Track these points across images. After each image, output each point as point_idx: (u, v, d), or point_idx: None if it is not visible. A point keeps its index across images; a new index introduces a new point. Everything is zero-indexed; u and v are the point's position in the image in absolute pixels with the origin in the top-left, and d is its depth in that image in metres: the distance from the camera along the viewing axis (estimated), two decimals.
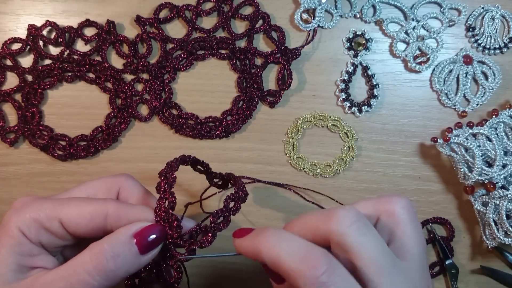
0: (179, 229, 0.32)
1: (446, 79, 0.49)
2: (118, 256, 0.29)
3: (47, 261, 0.31)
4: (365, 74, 0.49)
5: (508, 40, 0.49)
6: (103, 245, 0.30)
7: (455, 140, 0.45)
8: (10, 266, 0.29)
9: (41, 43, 0.48)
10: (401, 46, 0.49)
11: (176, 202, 0.32)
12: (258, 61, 0.49)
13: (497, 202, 0.45)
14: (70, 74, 0.49)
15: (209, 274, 0.49)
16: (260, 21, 0.49)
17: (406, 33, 0.49)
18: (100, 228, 0.32)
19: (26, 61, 0.49)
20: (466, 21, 0.49)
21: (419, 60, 0.49)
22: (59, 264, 0.31)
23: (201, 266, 0.49)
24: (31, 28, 0.48)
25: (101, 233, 0.32)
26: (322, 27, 0.49)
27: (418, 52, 0.49)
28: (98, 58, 0.49)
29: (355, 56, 0.49)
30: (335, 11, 0.49)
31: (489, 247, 0.46)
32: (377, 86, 0.49)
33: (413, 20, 0.49)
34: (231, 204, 0.34)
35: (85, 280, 0.29)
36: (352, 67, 0.49)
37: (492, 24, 0.49)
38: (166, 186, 0.33)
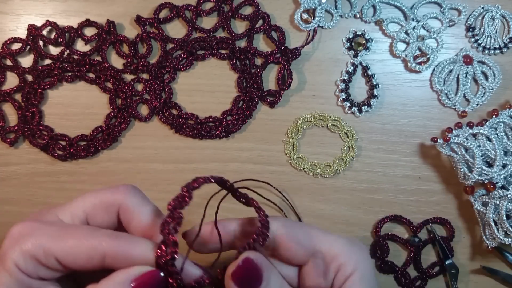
0: (180, 281, 0.29)
1: (446, 79, 0.49)
2: None
3: None
4: (365, 74, 0.49)
5: (508, 40, 0.49)
6: None
7: (455, 140, 0.45)
8: None
9: (41, 43, 0.48)
10: (401, 46, 0.50)
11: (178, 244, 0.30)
12: (258, 61, 0.49)
13: (497, 202, 0.45)
14: (70, 74, 0.49)
15: None
16: (260, 21, 0.49)
17: (406, 33, 0.49)
18: (99, 266, 0.30)
19: (26, 61, 0.49)
20: (466, 21, 0.49)
21: (419, 60, 0.49)
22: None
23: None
24: (31, 28, 0.48)
25: (100, 268, 0.30)
26: (322, 27, 0.49)
27: (418, 52, 0.49)
28: (98, 58, 0.49)
29: (355, 56, 0.49)
30: (335, 11, 0.49)
31: (489, 247, 0.46)
32: (377, 86, 0.49)
33: (413, 20, 0.49)
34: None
35: None
36: (352, 67, 0.49)
37: (492, 24, 0.49)
38: (170, 228, 0.30)
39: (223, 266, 0.30)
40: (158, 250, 0.29)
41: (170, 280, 0.29)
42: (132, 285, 0.28)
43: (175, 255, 0.29)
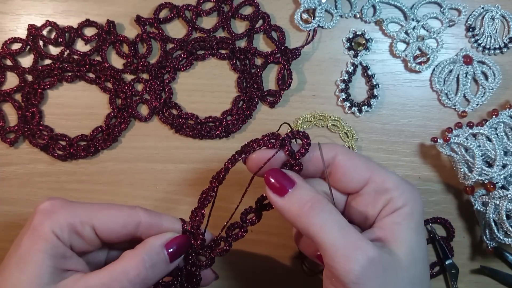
0: (204, 241, 0.36)
1: (446, 79, 0.49)
2: (155, 265, 0.32)
3: (79, 264, 0.32)
4: (365, 74, 0.49)
5: (508, 40, 0.49)
6: (143, 256, 0.32)
7: (455, 140, 0.45)
8: (47, 269, 0.30)
9: (41, 43, 0.48)
10: (401, 46, 0.49)
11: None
12: (258, 61, 0.49)
13: (497, 202, 0.45)
14: (70, 74, 0.49)
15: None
16: (260, 21, 0.49)
17: (406, 33, 0.49)
18: (131, 235, 0.33)
19: (26, 61, 0.49)
20: (466, 21, 0.49)
21: (419, 60, 0.49)
22: (90, 268, 0.33)
23: None
24: (31, 28, 0.48)
25: (129, 240, 0.34)
26: (322, 27, 0.49)
27: (418, 52, 0.49)
28: (98, 58, 0.49)
29: (355, 56, 0.49)
30: (335, 11, 0.49)
31: (489, 247, 0.46)
32: (377, 86, 0.49)
33: (413, 20, 0.49)
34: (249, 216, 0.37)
35: (125, 287, 0.31)
36: (352, 67, 0.49)
37: (492, 24, 0.49)
38: (200, 203, 0.37)
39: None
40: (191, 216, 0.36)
41: (195, 243, 0.35)
42: (166, 249, 0.33)
43: (201, 221, 0.36)
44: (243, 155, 0.35)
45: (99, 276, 0.31)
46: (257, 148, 0.34)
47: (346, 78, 0.49)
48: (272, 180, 0.32)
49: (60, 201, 0.33)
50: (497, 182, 0.45)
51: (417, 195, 0.34)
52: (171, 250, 0.33)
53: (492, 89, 0.49)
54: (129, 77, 0.49)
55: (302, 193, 0.32)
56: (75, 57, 0.49)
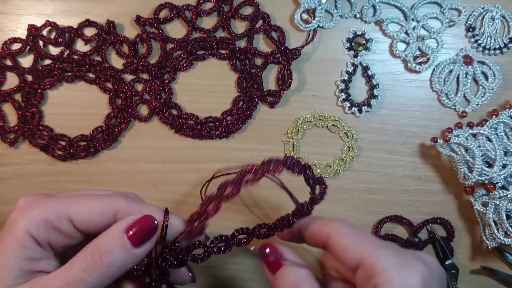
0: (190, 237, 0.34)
1: (446, 79, 0.49)
2: (111, 251, 0.30)
3: (49, 264, 0.31)
4: (365, 74, 0.49)
5: (508, 40, 0.49)
6: (98, 242, 0.30)
7: (455, 140, 0.45)
8: (12, 271, 0.29)
9: (41, 43, 0.48)
10: (401, 46, 0.49)
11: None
12: (258, 61, 0.49)
13: (497, 203, 0.45)
14: (70, 74, 0.49)
15: (210, 274, 0.49)
16: (260, 21, 0.49)
17: (406, 33, 0.49)
18: (110, 223, 0.31)
19: (26, 61, 0.49)
20: (466, 21, 0.49)
21: (419, 60, 0.49)
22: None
23: (201, 265, 0.49)
24: (31, 28, 0.48)
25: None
26: (322, 27, 0.49)
27: (418, 52, 0.49)
28: (98, 58, 0.49)
29: (355, 56, 0.49)
30: (335, 11, 0.49)
31: (489, 247, 0.46)
32: (377, 86, 0.49)
33: (413, 20, 0.49)
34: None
35: (82, 278, 0.29)
36: (352, 67, 0.49)
37: (492, 24, 0.49)
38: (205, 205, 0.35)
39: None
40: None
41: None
42: (126, 232, 0.30)
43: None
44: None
45: (58, 270, 0.30)
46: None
47: (346, 78, 0.49)
48: (266, 254, 0.33)
49: (35, 197, 0.32)
50: (497, 182, 0.45)
51: (415, 280, 0.28)
52: (132, 232, 0.30)
53: (492, 89, 0.49)
54: (129, 77, 0.49)
55: (291, 274, 0.32)
56: (75, 57, 0.49)
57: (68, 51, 0.49)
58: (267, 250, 0.33)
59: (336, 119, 0.49)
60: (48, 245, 0.31)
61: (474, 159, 0.45)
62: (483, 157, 0.45)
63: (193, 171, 0.49)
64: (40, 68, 0.48)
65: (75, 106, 0.49)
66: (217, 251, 0.34)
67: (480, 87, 0.49)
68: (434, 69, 0.49)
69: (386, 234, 0.49)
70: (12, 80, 0.49)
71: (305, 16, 0.49)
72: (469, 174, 0.45)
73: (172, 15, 0.49)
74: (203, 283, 0.49)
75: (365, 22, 0.50)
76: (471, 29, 0.49)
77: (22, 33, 0.48)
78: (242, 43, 0.49)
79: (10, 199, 0.49)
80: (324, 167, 0.49)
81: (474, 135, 0.46)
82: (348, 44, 0.49)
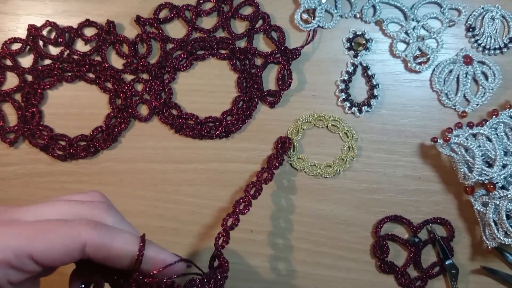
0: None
1: (446, 79, 0.49)
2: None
3: None
4: (365, 74, 0.49)
5: (508, 40, 0.49)
6: None
7: (455, 140, 0.45)
8: None
9: (41, 43, 0.48)
10: (401, 46, 0.49)
11: None
12: (258, 61, 0.49)
13: (497, 202, 0.45)
14: (70, 74, 0.49)
15: None
16: (260, 21, 0.49)
17: (406, 33, 0.49)
18: (78, 258, 0.29)
19: (26, 61, 0.49)
20: (466, 21, 0.49)
21: (419, 60, 0.49)
22: None
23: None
24: (31, 28, 0.48)
25: (79, 259, 0.29)
26: (322, 27, 0.49)
27: (418, 52, 0.49)
28: (98, 58, 0.49)
29: (355, 56, 0.49)
30: (335, 11, 0.49)
31: (489, 247, 0.46)
32: (377, 86, 0.49)
33: (413, 20, 0.49)
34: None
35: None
36: (352, 67, 0.49)
37: (492, 24, 0.49)
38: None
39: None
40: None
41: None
42: None
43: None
44: None
45: None
46: None
47: (346, 78, 0.49)
48: None
49: None
50: (497, 182, 0.45)
51: None
52: None
53: (492, 89, 0.49)
54: (129, 77, 0.49)
55: None
56: (75, 57, 0.49)
57: (68, 51, 0.49)
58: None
59: (336, 119, 0.49)
60: (9, 283, 0.28)
61: (474, 159, 0.45)
62: (483, 157, 0.45)
63: (193, 171, 0.49)
64: (40, 68, 0.48)
65: (75, 106, 0.49)
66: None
67: (480, 87, 0.49)
68: (434, 69, 0.49)
69: (386, 234, 0.49)
70: (12, 80, 0.49)
71: (305, 16, 0.49)
72: (469, 174, 0.45)
73: (172, 15, 0.49)
74: None
75: (365, 22, 0.50)
76: (471, 29, 0.49)
77: (22, 33, 0.48)
78: (242, 43, 0.49)
79: (10, 199, 0.49)
80: (324, 167, 0.49)
81: (474, 135, 0.46)
82: (348, 44, 0.49)
